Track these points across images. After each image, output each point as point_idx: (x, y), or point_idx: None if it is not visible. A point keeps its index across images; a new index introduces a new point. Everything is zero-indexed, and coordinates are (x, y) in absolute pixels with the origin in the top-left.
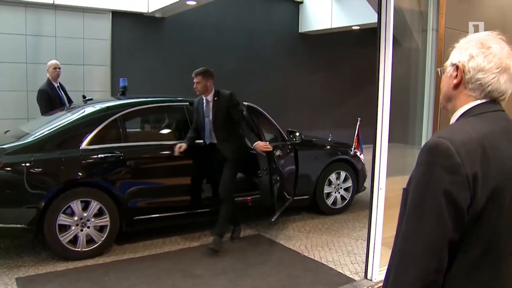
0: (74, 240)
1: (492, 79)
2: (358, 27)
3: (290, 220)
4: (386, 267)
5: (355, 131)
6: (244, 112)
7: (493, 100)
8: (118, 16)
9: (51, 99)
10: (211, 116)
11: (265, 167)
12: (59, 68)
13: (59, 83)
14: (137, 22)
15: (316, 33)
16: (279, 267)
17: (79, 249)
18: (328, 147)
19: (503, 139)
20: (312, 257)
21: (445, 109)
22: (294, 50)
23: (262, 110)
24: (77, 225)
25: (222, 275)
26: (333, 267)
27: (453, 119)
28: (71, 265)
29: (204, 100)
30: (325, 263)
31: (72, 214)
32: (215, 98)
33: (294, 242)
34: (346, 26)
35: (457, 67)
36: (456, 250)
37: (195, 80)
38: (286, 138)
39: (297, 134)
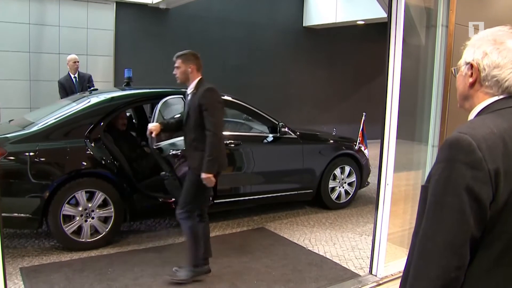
0: (78, 231)
1: (509, 74)
2: (363, 22)
3: (294, 214)
4: (392, 262)
5: (360, 126)
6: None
7: (510, 96)
8: (122, 6)
9: (66, 89)
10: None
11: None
12: (78, 62)
13: (80, 74)
14: (141, 13)
15: (320, 27)
16: (284, 261)
17: (83, 240)
18: (333, 141)
19: None
20: (317, 252)
21: (462, 108)
22: (298, 44)
23: (246, 104)
24: (81, 215)
25: (227, 268)
26: (338, 262)
27: (471, 117)
28: (75, 255)
29: (187, 92)
30: (330, 258)
31: (76, 204)
32: (194, 91)
33: (298, 236)
34: (351, 21)
35: (471, 66)
36: (477, 246)
37: (175, 65)
38: (279, 129)
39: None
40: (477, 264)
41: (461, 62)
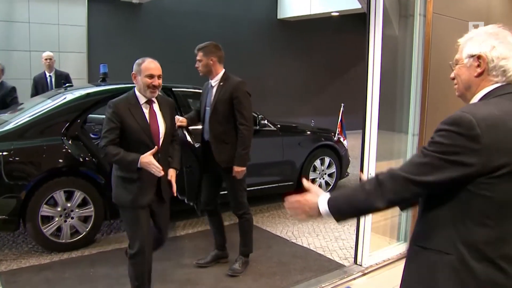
0: (57, 232)
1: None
2: (337, 13)
3: (275, 206)
4: (376, 252)
5: (339, 117)
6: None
7: (509, 83)
8: (94, 1)
9: (37, 88)
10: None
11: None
12: (50, 59)
13: (56, 73)
14: (113, 8)
15: (295, 19)
16: (268, 254)
17: (63, 241)
18: (312, 133)
19: None
20: (300, 244)
21: (462, 96)
22: (273, 37)
23: None
24: (60, 216)
25: (211, 263)
26: (322, 253)
27: (473, 101)
28: (55, 257)
29: (209, 84)
30: (314, 250)
31: (55, 204)
32: (221, 83)
33: (281, 228)
34: (325, 13)
35: (478, 57)
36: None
37: (197, 58)
38: (259, 122)
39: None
40: (491, 235)
41: (462, 55)
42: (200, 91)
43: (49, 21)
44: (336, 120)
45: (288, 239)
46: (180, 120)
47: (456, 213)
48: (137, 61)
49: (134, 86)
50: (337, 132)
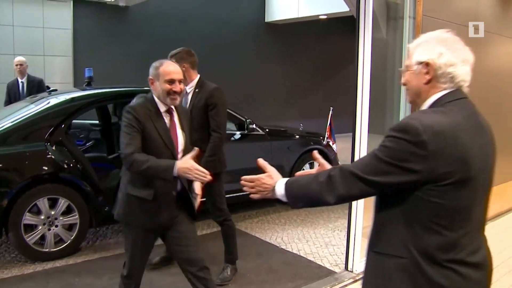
0: (41, 241)
1: (461, 71)
2: (325, 17)
3: (264, 212)
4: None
5: (328, 120)
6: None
7: (457, 89)
8: (79, 4)
9: (10, 95)
10: None
11: None
12: (21, 65)
13: (29, 79)
14: (99, 11)
15: (282, 22)
16: (258, 261)
17: (47, 250)
18: (301, 137)
19: (468, 126)
20: (290, 250)
21: (413, 103)
22: (260, 40)
23: None
24: (44, 224)
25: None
26: (312, 259)
27: (423, 107)
28: (39, 267)
29: (184, 91)
30: (304, 256)
31: (38, 212)
32: (196, 90)
33: (270, 235)
34: (313, 16)
35: (427, 64)
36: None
37: None
38: (247, 126)
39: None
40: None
41: (412, 61)
42: None
43: (33, 24)
44: (325, 123)
45: (278, 245)
46: None
47: (407, 218)
48: (153, 64)
49: (123, 89)
50: (326, 136)
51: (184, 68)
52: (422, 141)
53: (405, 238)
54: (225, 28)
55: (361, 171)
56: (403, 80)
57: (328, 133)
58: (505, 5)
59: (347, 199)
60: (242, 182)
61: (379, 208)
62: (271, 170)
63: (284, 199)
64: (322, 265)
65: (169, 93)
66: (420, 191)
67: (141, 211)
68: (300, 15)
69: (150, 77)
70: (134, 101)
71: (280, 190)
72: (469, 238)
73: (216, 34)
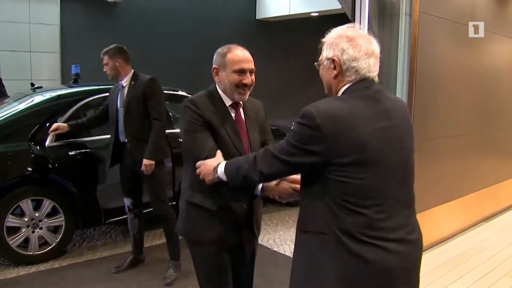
0: (25, 243)
1: (364, 64)
2: (317, 14)
3: None
4: None
5: None
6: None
7: (364, 79)
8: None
9: None
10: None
11: None
12: None
13: None
14: (88, 7)
15: (274, 19)
16: None
17: (31, 253)
18: None
19: (368, 112)
20: (283, 252)
21: (330, 94)
22: (251, 37)
23: None
24: (28, 226)
25: (190, 276)
26: None
27: None
28: (22, 271)
29: (120, 85)
30: None
31: (22, 214)
32: (132, 83)
33: (262, 236)
34: (305, 13)
35: (333, 61)
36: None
37: (103, 62)
38: None
39: None
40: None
41: (323, 58)
42: (178, 93)
43: (19, 19)
44: None
45: (270, 247)
46: (56, 127)
47: (324, 198)
48: (218, 51)
49: (111, 86)
50: None
51: (118, 64)
52: (317, 125)
53: (326, 216)
54: (215, 25)
55: (278, 152)
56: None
57: None
58: (501, 4)
59: (269, 176)
60: (197, 171)
61: (304, 191)
62: (218, 154)
63: (224, 178)
64: None
65: (238, 85)
66: (326, 171)
67: (211, 225)
68: (292, 12)
69: (215, 65)
70: (197, 94)
71: (220, 169)
72: (387, 216)
73: (206, 31)
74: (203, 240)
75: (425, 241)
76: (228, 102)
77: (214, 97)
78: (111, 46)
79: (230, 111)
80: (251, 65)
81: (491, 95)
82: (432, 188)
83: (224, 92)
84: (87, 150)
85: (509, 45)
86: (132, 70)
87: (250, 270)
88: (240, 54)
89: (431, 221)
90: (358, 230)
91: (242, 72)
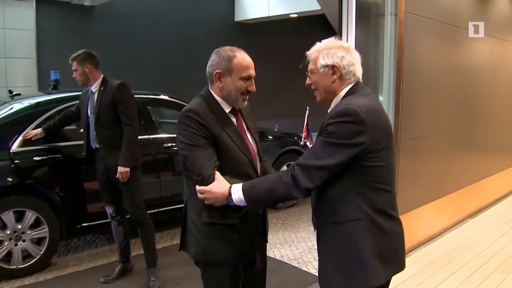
0: (8, 257)
1: (358, 68)
2: (296, 15)
3: None
4: None
5: (304, 120)
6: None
7: (358, 81)
8: (43, 4)
9: None
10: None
11: None
12: None
13: None
14: (64, 11)
15: (253, 21)
16: None
17: (14, 267)
18: (278, 138)
19: (380, 106)
20: (273, 256)
21: (324, 100)
22: (230, 39)
23: (185, 103)
24: (10, 239)
25: (181, 283)
26: (297, 265)
27: (337, 100)
28: (6, 285)
29: (89, 91)
30: (288, 262)
31: (3, 227)
32: (101, 88)
33: None
34: (284, 14)
35: (333, 67)
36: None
37: (72, 68)
38: None
39: None
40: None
41: (317, 66)
42: (160, 97)
43: None
44: (299, 122)
45: None
46: (34, 134)
47: (357, 185)
48: (222, 54)
49: None
50: (303, 136)
51: (87, 69)
52: (362, 119)
53: (359, 202)
54: (194, 28)
55: (316, 160)
56: (308, 82)
57: (305, 133)
58: (484, 3)
59: (314, 190)
60: (199, 195)
61: (324, 187)
62: (218, 176)
63: (242, 204)
64: (308, 271)
65: (243, 92)
66: (363, 160)
67: (227, 242)
68: (271, 14)
69: (218, 69)
70: (194, 102)
71: (237, 197)
72: (394, 191)
73: (184, 34)
74: (223, 258)
75: (413, 240)
76: (227, 108)
77: (211, 104)
78: (79, 52)
79: (230, 117)
80: (254, 71)
81: (473, 94)
82: (418, 187)
83: (224, 97)
84: (68, 155)
85: (490, 44)
86: (102, 76)
87: (262, 281)
88: (247, 60)
89: (418, 220)
90: (388, 206)
91: (249, 78)
